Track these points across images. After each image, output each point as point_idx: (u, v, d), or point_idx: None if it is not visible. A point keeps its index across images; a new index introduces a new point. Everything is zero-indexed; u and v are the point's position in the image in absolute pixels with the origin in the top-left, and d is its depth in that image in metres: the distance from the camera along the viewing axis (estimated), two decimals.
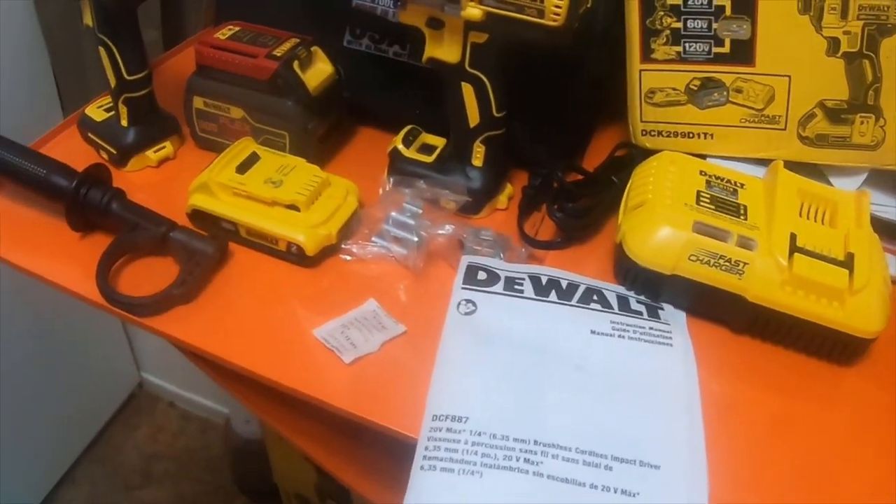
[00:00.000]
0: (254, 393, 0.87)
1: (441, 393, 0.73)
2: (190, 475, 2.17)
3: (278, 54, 0.94)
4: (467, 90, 0.87)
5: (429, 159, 0.95)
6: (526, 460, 0.67)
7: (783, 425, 0.76)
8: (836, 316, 0.77)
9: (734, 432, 0.74)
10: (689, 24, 0.88)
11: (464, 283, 0.83)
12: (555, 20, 0.77)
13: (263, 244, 0.88)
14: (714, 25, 0.88)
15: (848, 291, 0.76)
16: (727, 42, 0.88)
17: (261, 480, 1.82)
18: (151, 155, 1.00)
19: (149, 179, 0.99)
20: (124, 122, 0.98)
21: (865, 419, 0.77)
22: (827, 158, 0.92)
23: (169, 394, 2.33)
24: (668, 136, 0.95)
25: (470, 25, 0.82)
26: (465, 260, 0.86)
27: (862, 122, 0.88)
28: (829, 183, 0.92)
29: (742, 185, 0.85)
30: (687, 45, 0.90)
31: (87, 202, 0.88)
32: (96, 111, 1.02)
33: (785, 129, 0.91)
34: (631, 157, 0.96)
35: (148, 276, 0.85)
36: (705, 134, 0.94)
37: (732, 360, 0.81)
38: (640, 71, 0.92)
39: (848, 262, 0.77)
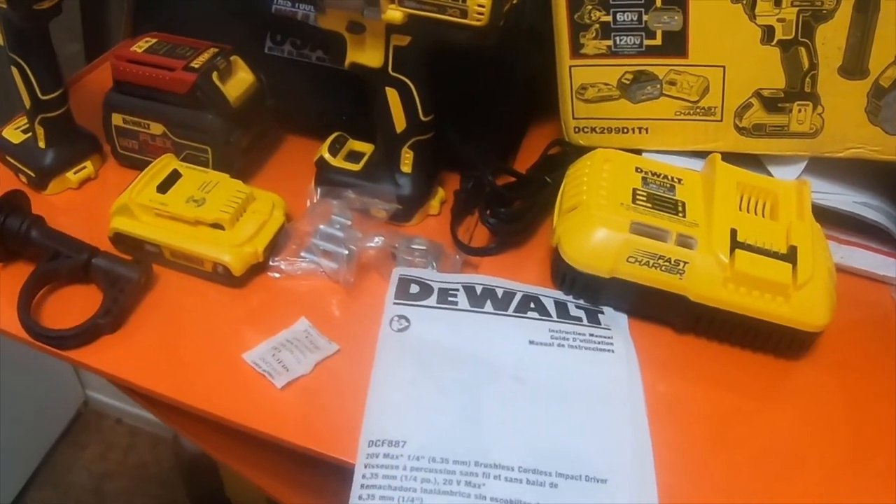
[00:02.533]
0: (189, 421, 0.84)
1: (376, 417, 0.71)
2: (143, 492, 2.13)
3: (196, 66, 0.90)
4: (392, 95, 0.84)
5: (356, 167, 0.92)
6: (468, 483, 0.65)
7: (732, 423, 0.75)
8: (781, 311, 0.76)
9: (683, 434, 0.73)
10: (619, 17, 0.86)
11: (396, 298, 0.81)
12: (478, 20, 0.74)
13: (189, 266, 0.85)
14: (644, 17, 0.86)
15: (792, 286, 0.75)
16: (659, 34, 0.86)
17: (213, 494, 1.79)
18: (71, 176, 0.96)
19: (70, 202, 0.96)
20: (42, 144, 0.94)
21: (816, 411, 0.77)
22: (765, 148, 0.90)
23: (116, 410, 2.28)
24: (601, 133, 0.94)
25: (391, 28, 0.79)
26: (397, 273, 0.83)
27: (800, 110, 0.87)
28: (769, 173, 0.91)
29: (679, 181, 0.84)
30: (617, 38, 0.87)
31: (4, 231, 0.84)
32: (13, 133, 0.97)
33: (721, 120, 0.89)
34: (564, 155, 0.95)
35: (72, 305, 0.82)
36: (640, 128, 0.92)
37: (677, 360, 0.80)
38: (571, 67, 0.90)
39: (791, 256, 0.76)
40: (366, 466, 0.66)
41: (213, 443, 0.90)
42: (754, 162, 0.91)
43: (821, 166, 0.90)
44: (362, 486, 0.65)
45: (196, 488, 1.99)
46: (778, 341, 0.79)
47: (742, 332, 0.79)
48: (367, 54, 0.82)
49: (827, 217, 0.86)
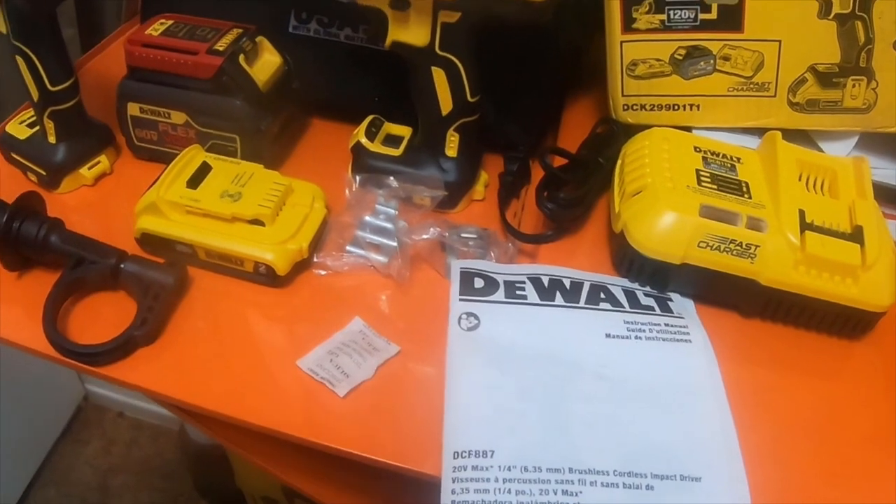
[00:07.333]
0: (227, 428, 0.79)
1: (458, 426, 0.66)
2: (148, 485, 2.10)
3: (221, 48, 0.85)
4: (438, 75, 0.80)
5: (397, 152, 0.88)
6: (564, 492, 0.62)
7: (801, 405, 0.74)
8: (849, 292, 0.75)
9: (757, 420, 0.71)
10: None
11: (461, 294, 0.77)
12: None
13: (227, 266, 0.80)
14: None
15: (861, 267, 0.74)
16: (714, 8, 0.84)
17: (223, 485, 1.75)
18: (86, 172, 0.90)
19: (86, 200, 0.90)
20: (52, 139, 0.88)
21: (878, 390, 0.76)
22: (818, 124, 0.89)
23: (117, 404, 2.24)
24: (651, 110, 0.91)
25: (440, 4, 0.75)
26: (457, 266, 0.79)
27: (854, 86, 0.86)
28: (819, 149, 0.89)
29: (738, 160, 0.82)
30: (671, 12, 0.85)
31: (20, 238, 0.78)
32: (18, 128, 0.91)
33: (775, 95, 0.88)
34: (612, 133, 0.92)
35: (101, 316, 0.76)
36: (691, 105, 0.90)
37: (745, 345, 0.78)
38: (622, 42, 0.87)
39: (858, 236, 0.75)
40: (454, 481, 0.63)
41: (247, 445, 0.86)
42: (803, 137, 0.90)
43: (871, 141, 0.89)
44: (453, 502, 0.61)
45: (205, 479, 1.96)
46: (844, 323, 0.77)
47: (809, 314, 0.77)
48: (412, 32, 0.78)
49: (880, 193, 0.84)
